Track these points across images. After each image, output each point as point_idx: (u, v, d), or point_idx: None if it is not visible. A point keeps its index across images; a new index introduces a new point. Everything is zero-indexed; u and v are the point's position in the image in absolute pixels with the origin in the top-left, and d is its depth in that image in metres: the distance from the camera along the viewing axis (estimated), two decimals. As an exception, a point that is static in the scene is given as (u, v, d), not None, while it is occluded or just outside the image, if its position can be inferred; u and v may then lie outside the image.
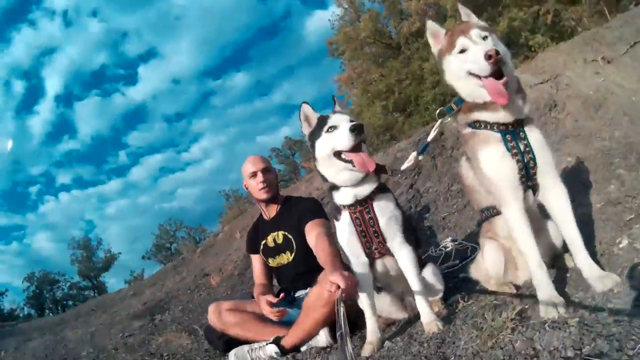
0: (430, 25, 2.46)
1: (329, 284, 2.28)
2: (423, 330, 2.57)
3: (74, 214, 75.85)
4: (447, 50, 2.31)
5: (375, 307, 2.74)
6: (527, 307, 2.27)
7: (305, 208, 3.48)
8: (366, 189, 2.60)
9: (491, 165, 2.28)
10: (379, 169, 2.61)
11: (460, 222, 5.84)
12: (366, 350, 2.51)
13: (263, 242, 3.67)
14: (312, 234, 3.17)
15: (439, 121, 2.54)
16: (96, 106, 75.69)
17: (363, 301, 2.71)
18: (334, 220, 2.78)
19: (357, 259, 2.71)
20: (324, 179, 2.68)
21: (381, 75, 18.45)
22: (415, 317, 2.88)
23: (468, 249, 4.37)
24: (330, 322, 2.93)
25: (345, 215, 2.64)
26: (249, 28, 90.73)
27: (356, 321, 3.00)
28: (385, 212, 2.62)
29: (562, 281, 2.50)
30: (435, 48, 2.45)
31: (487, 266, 2.73)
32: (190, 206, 68.50)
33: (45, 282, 40.83)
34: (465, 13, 2.45)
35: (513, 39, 15.72)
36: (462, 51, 2.23)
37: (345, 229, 2.66)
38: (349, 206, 2.61)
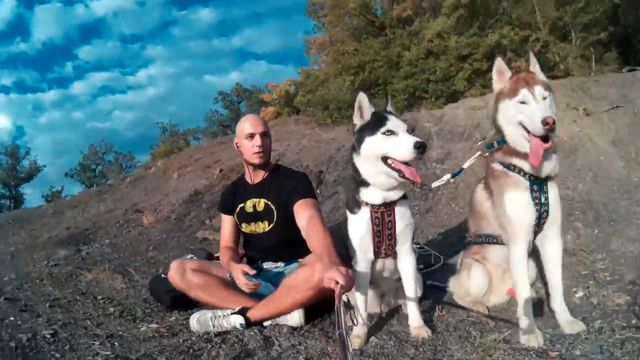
0: (499, 63, 2.58)
1: (327, 280, 2.25)
2: (409, 332, 2.71)
3: (7, 118, 71.16)
4: (508, 95, 2.47)
5: (367, 303, 2.83)
6: (508, 331, 2.55)
7: (297, 184, 3.31)
8: (395, 194, 2.66)
9: (515, 208, 2.53)
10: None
11: (422, 226, 5.87)
12: (354, 343, 2.53)
13: (241, 205, 3.46)
14: (304, 214, 3.04)
15: (478, 153, 2.77)
16: (56, 13, 72.45)
17: (357, 295, 2.74)
18: (349, 212, 2.81)
19: (364, 255, 2.76)
20: (357, 173, 2.67)
21: (355, 50, 18.12)
22: (389, 314, 3.16)
23: (432, 256, 4.41)
24: (308, 305, 2.91)
25: (365, 212, 2.68)
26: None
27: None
28: (404, 218, 2.71)
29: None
30: (496, 85, 2.60)
31: (471, 285, 3.01)
32: (123, 131, 66.43)
33: None
34: (533, 62, 2.56)
35: (497, 55, 15.63)
36: (522, 102, 2.39)
37: (362, 225, 2.70)
38: (374, 205, 2.65)
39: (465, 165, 2.87)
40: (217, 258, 3.81)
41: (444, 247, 4.84)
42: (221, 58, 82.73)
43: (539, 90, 2.37)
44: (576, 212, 5.01)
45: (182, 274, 3.12)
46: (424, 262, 4.23)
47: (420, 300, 3.04)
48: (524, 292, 2.52)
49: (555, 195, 2.54)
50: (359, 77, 16.84)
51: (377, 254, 2.78)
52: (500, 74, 2.57)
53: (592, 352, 2.24)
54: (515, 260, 2.56)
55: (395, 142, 2.46)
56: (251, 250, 3.52)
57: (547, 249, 2.63)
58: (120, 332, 2.84)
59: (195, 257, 3.75)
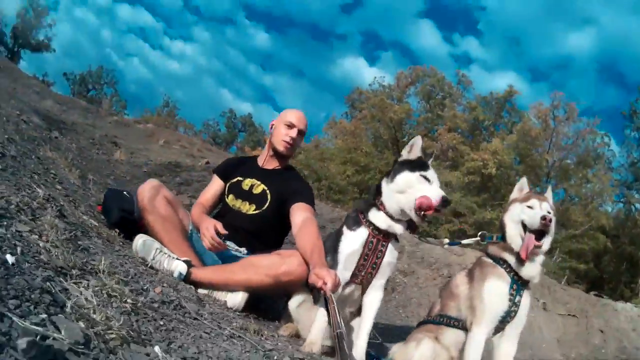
0: (523, 181, 2.90)
1: (314, 276, 2.29)
2: None
3: None
4: (520, 200, 2.73)
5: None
6: None
7: (302, 188, 3.34)
8: (398, 229, 2.72)
9: (492, 293, 2.61)
10: (414, 227, 2.82)
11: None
12: (306, 347, 2.47)
13: (239, 178, 3.42)
14: (301, 215, 3.04)
15: (477, 238, 2.97)
16: None
17: (319, 311, 2.64)
18: (346, 228, 2.81)
19: (342, 272, 2.66)
20: (378, 192, 2.77)
21: (367, 153, 18.73)
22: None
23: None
24: (255, 292, 2.86)
25: (363, 232, 2.70)
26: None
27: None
28: (392, 255, 2.76)
29: None
30: (513, 195, 2.85)
31: (415, 355, 2.85)
32: (130, 80, 65.55)
33: None
34: (549, 192, 2.87)
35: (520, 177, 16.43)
36: (529, 207, 2.64)
37: (356, 243, 2.70)
38: (376, 229, 2.69)
39: (463, 241, 3.27)
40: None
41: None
42: (247, 84, 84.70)
43: (545, 205, 2.67)
44: None
45: (154, 194, 2.97)
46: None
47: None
48: None
49: (527, 303, 2.70)
50: (359, 176, 17.31)
51: (353, 277, 2.75)
52: (520, 190, 2.87)
53: None
54: (474, 341, 2.60)
55: (427, 188, 2.60)
56: (224, 223, 3.22)
57: (501, 348, 2.70)
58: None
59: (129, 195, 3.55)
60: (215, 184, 3.48)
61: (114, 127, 10.53)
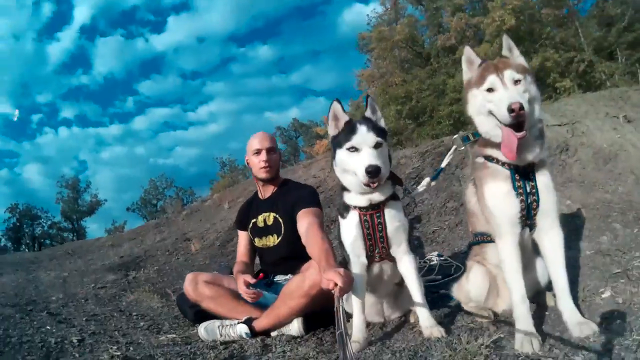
0: (468, 51, 2.46)
1: (325, 281, 2.29)
2: (396, 339, 2.70)
3: (70, 151, 75.45)
4: (476, 83, 2.34)
5: (364, 307, 2.77)
6: (502, 336, 2.35)
7: (301, 195, 3.45)
8: (380, 196, 2.66)
9: (495, 200, 2.36)
10: (396, 181, 2.77)
11: (449, 239, 5.88)
12: (353, 348, 2.40)
13: (253, 220, 3.65)
14: (304, 221, 3.15)
15: (454, 148, 2.70)
16: (117, 46, 74.84)
17: (354, 300, 2.74)
18: (340, 217, 2.85)
19: (358, 259, 2.76)
20: (339, 179, 2.73)
21: (403, 81, 18.51)
22: (390, 324, 3.07)
23: (452, 267, 4.43)
24: (305, 313, 3.00)
25: (353, 215, 2.70)
26: (286, 3, 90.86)
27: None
28: (394, 220, 2.69)
29: (540, 319, 2.57)
30: (465, 75, 2.47)
31: (470, 288, 2.80)
32: (184, 167, 69.02)
33: (27, 216, 40.40)
34: (507, 46, 2.40)
35: (541, 78, 16.02)
36: (490, 90, 2.26)
37: (352, 228, 2.72)
38: (361, 208, 2.67)
39: (442, 164, 2.86)
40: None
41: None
42: (281, 95, 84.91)
43: (509, 74, 2.22)
44: (614, 213, 4.79)
45: (195, 285, 3.37)
46: (444, 273, 4.25)
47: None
48: (517, 291, 2.32)
49: (546, 182, 2.35)
50: (406, 107, 17.10)
51: (371, 258, 2.77)
52: (470, 64, 2.44)
53: (598, 357, 1.98)
54: (504, 255, 2.38)
55: (356, 159, 2.50)
56: (264, 264, 3.70)
57: (544, 241, 2.40)
58: (140, 341, 3.14)
59: (217, 272, 4.05)
60: (242, 238, 3.78)
61: (187, 222, 11.26)
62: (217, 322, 3.13)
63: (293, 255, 3.42)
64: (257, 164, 3.53)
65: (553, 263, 2.39)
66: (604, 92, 9.94)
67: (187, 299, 3.56)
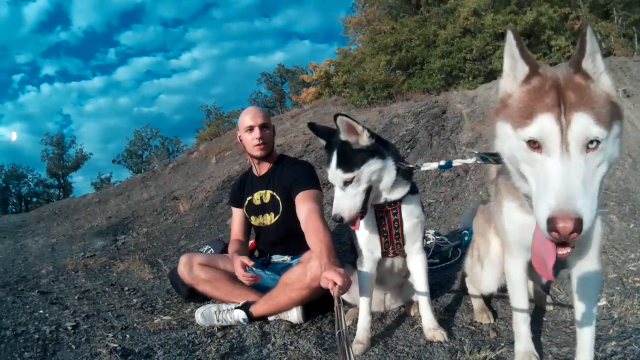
0: (510, 39, 1.50)
1: (325, 280, 2.24)
2: (398, 337, 2.65)
3: (53, 107, 75.01)
4: (512, 117, 1.45)
5: (371, 304, 2.68)
6: (504, 348, 2.28)
7: (299, 173, 3.35)
8: (397, 194, 2.52)
9: (512, 219, 2.02)
10: (409, 172, 2.55)
11: (445, 214, 5.83)
12: (356, 349, 2.45)
13: (249, 198, 3.56)
14: (304, 207, 3.07)
15: (473, 159, 2.25)
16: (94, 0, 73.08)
17: (361, 298, 2.65)
18: None
19: (372, 254, 2.66)
20: None
21: (392, 29, 18.01)
22: (390, 316, 3.03)
23: (449, 250, 4.29)
24: (305, 303, 2.96)
25: (371, 211, 2.55)
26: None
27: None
28: (411, 217, 2.57)
29: (538, 333, 2.51)
30: (504, 84, 1.55)
31: (484, 278, 2.64)
32: (169, 115, 68.38)
33: (12, 177, 39.72)
34: (591, 49, 1.43)
35: (536, 33, 15.87)
36: (533, 142, 1.36)
37: (367, 225, 2.60)
38: (377, 204, 2.54)
39: (454, 163, 2.44)
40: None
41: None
42: (264, 39, 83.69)
43: (575, 134, 1.31)
44: (611, 203, 4.75)
45: (189, 268, 3.30)
46: (441, 256, 4.20)
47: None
48: (520, 312, 2.18)
49: None
50: (396, 57, 16.77)
51: (385, 254, 2.68)
52: (512, 63, 1.52)
53: None
54: (512, 276, 2.18)
55: (335, 197, 2.40)
56: (261, 243, 3.65)
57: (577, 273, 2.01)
58: (135, 324, 3.13)
59: (212, 249, 3.98)
60: (236, 215, 3.67)
61: (173, 176, 11.19)
62: (213, 307, 3.09)
63: (291, 234, 3.37)
64: (250, 141, 3.41)
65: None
66: (603, 60, 9.77)
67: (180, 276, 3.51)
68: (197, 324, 3.04)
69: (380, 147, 2.41)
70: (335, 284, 2.17)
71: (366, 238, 2.63)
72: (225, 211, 7.32)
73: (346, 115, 2.32)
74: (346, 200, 2.33)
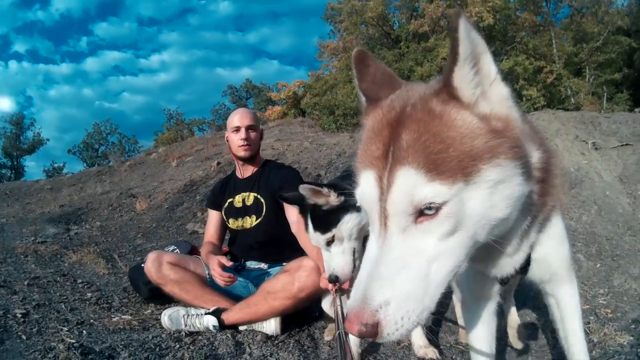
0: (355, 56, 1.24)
1: (324, 281, 2.28)
2: (388, 355, 2.61)
3: (17, 86, 73.48)
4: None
5: None
6: None
7: (287, 177, 3.26)
8: None
9: None
10: None
11: None
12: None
13: (230, 200, 3.41)
14: (294, 210, 2.87)
15: None
16: None
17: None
18: None
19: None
20: None
21: (367, 60, 18.21)
22: None
23: None
24: (286, 314, 2.85)
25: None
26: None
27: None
28: None
29: None
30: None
31: None
32: (130, 114, 67.27)
33: None
34: (470, 49, 0.97)
35: (509, 82, 15.96)
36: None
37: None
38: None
39: None
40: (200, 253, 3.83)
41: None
42: (235, 52, 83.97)
43: (396, 194, 0.98)
44: (579, 244, 4.88)
45: (158, 266, 3.06)
46: None
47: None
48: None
49: None
50: (368, 87, 16.91)
51: None
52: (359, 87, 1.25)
53: None
54: None
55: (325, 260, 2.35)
56: (236, 247, 3.45)
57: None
58: (91, 320, 2.85)
59: (177, 250, 3.75)
60: (213, 218, 3.50)
61: (130, 174, 10.82)
62: (182, 311, 2.88)
63: (270, 240, 3.27)
64: (236, 141, 3.31)
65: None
66: (575, 114, 10.35)
67: (142, 274, 3.27)
68: (162, 327, 2.83)
69: (351, 201, 2.32)
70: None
71: None
72: (185, 215, 7.05)
73: (308, 183, 2.32)
74: (336, 259, 2.27)
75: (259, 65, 76.00)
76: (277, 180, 3.26)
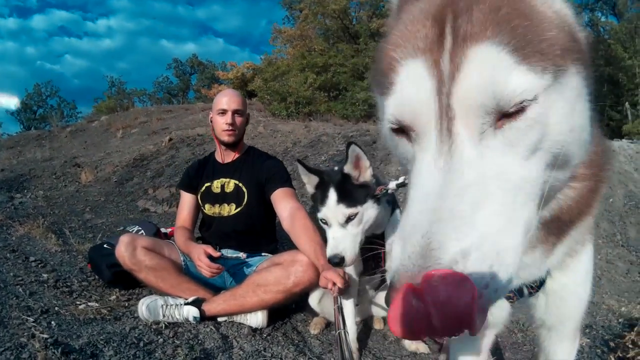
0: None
1: (324, 280, 2.27)
2: (381, 350, 2.67)
3: None
4: (378, 80, 0.89)
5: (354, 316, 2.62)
6: None
7: (275, 169, 3.15)
8: (380, 229, 2.49)
9: None
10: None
11: None
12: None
13: (207, 184, 3.23)
14: (287, 205, 2.90)
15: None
16: None
17: (347, 307, 2.49)
18: None
19: (355, 269, 2.55)
20: None
21: (323, 50, 18.13)
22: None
23: None
24: (276, 307, 2.80)
25: None
26: None
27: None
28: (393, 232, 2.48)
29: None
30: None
31: None
32: (70, 77, 64.23)
33: None
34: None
35: None
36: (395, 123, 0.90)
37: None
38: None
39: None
40: (166, 235, 3.58)
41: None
42: (182, 26, 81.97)
43: (474, 82, 0.68)
44: None
45: (132, 251, 2.81)
46: None
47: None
48: None
49: None
50: (321, 78, 16.82)
51: (362, 274, 2.64)
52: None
53: None
54: None
55: (328, 236, 2.25)
56: (211, 234, 3.25)
57: None
58: (56, 308, 2.57)
59: (143, 231, 3.51)
60: (186, 201, 3.28)
61: (70, 140, 10.25)
62: (160, 301, 2.67)
63: (248, 230, 3.16)
64: (221, 125, 3.14)
65: None
66: None
67: (107, 257, 3.07)
68: (134, 317, 2.63)
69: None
70: (334, 284, 2.17)
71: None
72: (136, 191, 6.68)
73: (359, 146, 2.20)
74: (347, 240, 2.19)
75: (204, 42, 74.73)
76: (263, 171, 3.12)
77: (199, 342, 2.39)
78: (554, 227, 0.95)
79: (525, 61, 0.65)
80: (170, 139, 8.72)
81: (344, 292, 2.26)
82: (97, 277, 3.24)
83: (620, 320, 3.48)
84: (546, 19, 0.71)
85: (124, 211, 5.88)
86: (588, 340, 2.98)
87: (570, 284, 1.20)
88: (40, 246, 3.77)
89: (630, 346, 2.74)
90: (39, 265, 3.26)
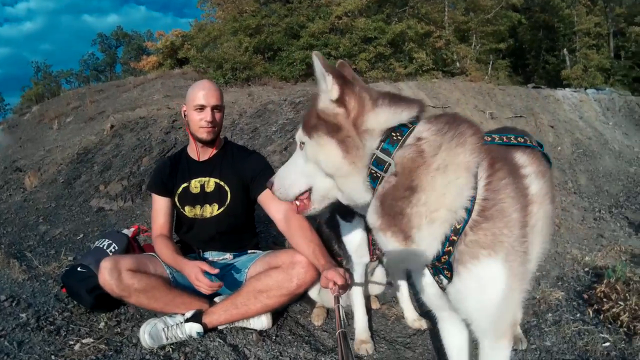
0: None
1: (324, 280, 2.25)
2: (387, 332, 2.83)
3: None
4: None
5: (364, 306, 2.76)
6: None
7: (260, 167, 3.00)
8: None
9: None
10: None
11: None
12: (363, 349, 2.55)
13: (184, 185, 3.04)
14: (279, 207, 2.78)
15: None
16: None
17: (355, 300, 2.71)
18: (341, 219, 2.64)
19: (360, 259, 2.66)
20: None
21: (255, 11, 17.47)
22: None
23: None
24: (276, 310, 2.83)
25: (359, 221, 2.53)
26: None
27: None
28: None
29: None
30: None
31: None
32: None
33: None
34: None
35: (400, 44, 17.15)
36: None
37: (357, 233, 2.59)
38: None
39: None
40: (139, 244, 3.40)
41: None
42: (101, -4, 77.97)
43: None
44: None
45: (117, 276, 2.61)
46: None
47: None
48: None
49: None
50: (255, 40, 16.36)
51: (371, 258, 2.71)
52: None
53: (559, 342, 2.53)
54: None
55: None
56: (192, 237, 3.10)
57: None
58: (53, 357, 2.38)
59: (115, 245, 3.26)
60: (161, 205, 3.05)
61: (4, 140, 9.63)
62: (159, 324, 2.57)
63: (232, 230, 3.06)
64: (198, 121, 2.90)
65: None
66: (474, 85, 11.16)
67: (85, 280, 2.90)
68: (135, 344, 2.56)
69: None
70: (335, 283, 2.17)
71: (357, 246, 2.62)
72: (86, 190, 6.31)
73: None
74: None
75: (126, 11, 71.70)
76: (247, 170, 2.99)
77: (211, 357, 2.36)
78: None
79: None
80: (112, 126, 8.25)
81: (345, 291, 2.27)
82: (75, 302, 3.03)
83: (586, 269, 3.69)
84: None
85: (78, 215, 5.56)
86: (562, 293, 3.12)
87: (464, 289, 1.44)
88: (5, 277, 3.46)
89: (605, 300, 2.88)
90: (13, 304, 2.98)
